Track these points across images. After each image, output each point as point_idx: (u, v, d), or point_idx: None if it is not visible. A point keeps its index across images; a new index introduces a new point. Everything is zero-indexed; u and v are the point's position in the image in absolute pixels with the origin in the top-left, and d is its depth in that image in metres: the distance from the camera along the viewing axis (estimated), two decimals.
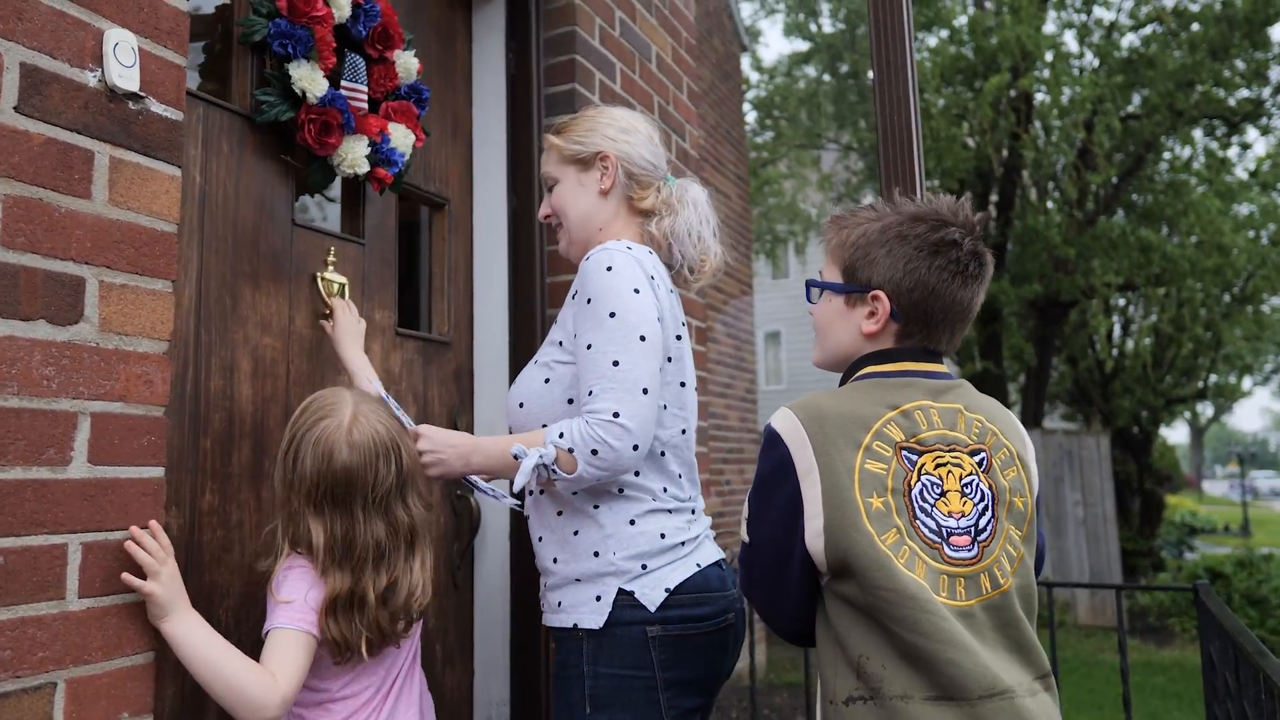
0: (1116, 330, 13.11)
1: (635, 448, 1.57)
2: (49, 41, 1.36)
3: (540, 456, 1.59)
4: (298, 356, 2.10)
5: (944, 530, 1.25)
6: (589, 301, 1.66)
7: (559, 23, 2.83)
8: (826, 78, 11.69)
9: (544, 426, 1.70)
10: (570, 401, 1.71)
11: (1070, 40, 9.97)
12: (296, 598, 1.53)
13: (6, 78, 1.30)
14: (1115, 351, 12.91)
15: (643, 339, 1.62)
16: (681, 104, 3.42)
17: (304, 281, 2.13)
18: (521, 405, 1.76)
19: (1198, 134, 10.98)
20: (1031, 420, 11.34)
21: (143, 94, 1.48)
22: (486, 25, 2.82)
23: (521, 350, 2.68)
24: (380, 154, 2.17)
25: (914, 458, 1.27)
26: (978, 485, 1.29)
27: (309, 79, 1.99)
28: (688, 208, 1.88)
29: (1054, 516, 9.71)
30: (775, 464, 1.30)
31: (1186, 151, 11.12)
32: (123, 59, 1.44)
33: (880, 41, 2.00)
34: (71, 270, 1.37)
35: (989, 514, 1.28)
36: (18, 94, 1.31)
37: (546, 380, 1.73)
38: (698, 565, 1.71)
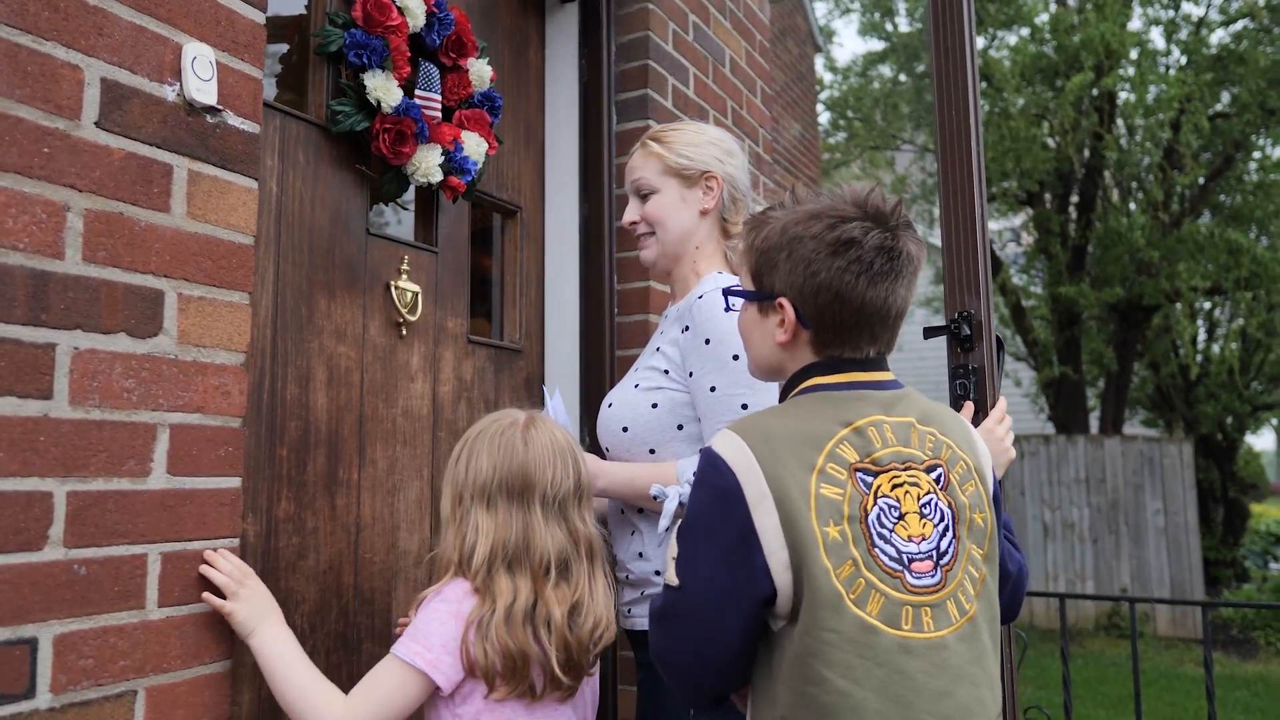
0: (1201, 335, 12.64)
1: None
2: (129, 56, 1.37)
3: (680, 497, 1.58)
4: (372, 365, 2.11)
5: (904, 556, 1.15)
6: (707, 342, 1.65)
7: (631, 28, 2.80)
8: (902, 78, 11.48)
9: (651, 451, 1.71)
10: (680, 427, 1.70)
11: (1157, 37, 9.67)
12: (427, 630, 1.42)
13: (88, 94, 1.32)
14: (1199, 357, 12.44)
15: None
16: (755, 108, 3.36)
17: (378, 290, 2.14)
18: (626, 429, 1.73)
19: None
20: (1111, 426, 10.97)
21: (220, 107, 1.49)
22: (559, 31, 2.80)
23: (592, 358, 2.66)
24: (454, 163, 2.17)
25: (869, 479, 1.16)
26: (936, 504, 1.18)
27: (384, 89, 2.00)
28: None
29: (1134, 525, 9.40)
30: (717, 493, 1.15)
31: (1278, 151, 10.65)
32: (201, 73, 1.45)
33: (940, 38, 1.92)
34: (151, 283, 1.38)
35: (950, 534, 1.18)
36: (99, 109, 1.33)
37: (654, 405, 1.71)
38: None
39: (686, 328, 1.70)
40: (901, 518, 1.16)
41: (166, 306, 1.40)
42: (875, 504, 1.15)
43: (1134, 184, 10.90)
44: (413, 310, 2.21)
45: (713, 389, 1.64)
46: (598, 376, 2.65)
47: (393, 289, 2.16)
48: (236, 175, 1.52)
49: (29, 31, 1.26)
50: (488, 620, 1.38)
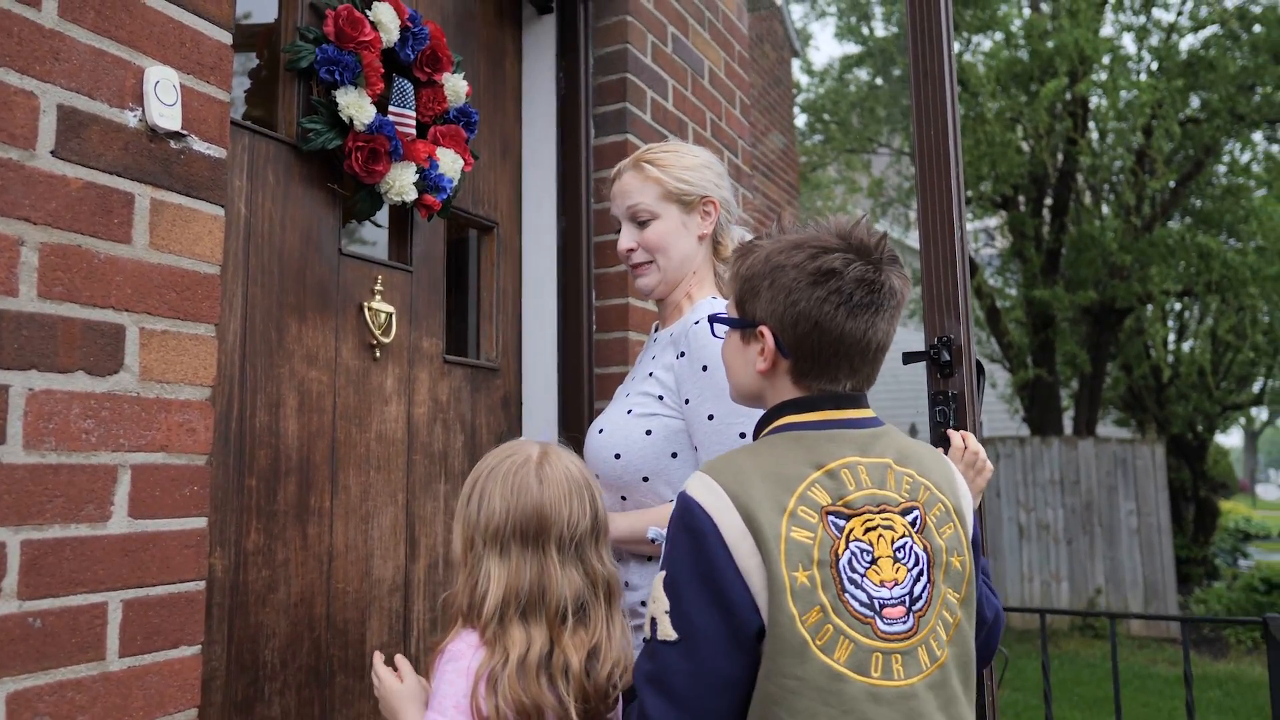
0: (1171, 337, 12.78)
1: None
2: (87, 81, 1.31)
3: (658, 540, 1.54)
4: (344, 389, 2.05)
5: (876, 602, 1.12)
6: (705, 369, 1.62)
7: (610, 40, 2.76)
8: (879, 81, 11.50)
9: (645, 479, 1.66)
10: (674, 455, 1.66)
11: (1128, 43, 9.71)
12: (440, 696, 1.33)
13: (43, 121, 1.25)
14: (1170, 358, 12.57)
15: None
16: (734, 119, 3.33)
17: (351, 312, 2.08)
18: (619, 456, 1.68)
19: (1258, 137, 10.62)
20: (1085, 428, 11.06)
21: (185, 132, 1.43)
22: (536, 43, 2.75)
23: (570, 376, 2.61)
24: (428, 180, 2.12)
25: (841, 523, 1.13)
26: (911, 548, 1.16)
27: (356, 106, 1.94)
28: None
29: (1107, 526, 9.48)
30: (697, 539, 1.12)
31: (1246, 155, 10.76)
32: (164, 97, 1.39)
33: (917, 42, 1.90)
34: (111, 318, 1.32)
35: (924, 579, 1.16)
36: (55, 137, 1.27)
37: (648, 432, 1.67)
38: None
39: (682, 353, 1.67)
40: (874, 562, 1.13)
41: (128, 342, 1.34)
42: (847, 548, 1.13)
43: (1106, 188, 10.99)
44: (386, 331, 2.15)
45: (710, 417, 1.60)
46: (575, 394, 2.60)
47: (366, 310, 2.11)
48: (202, 202, 1.46)
49: None
50: (499, 673, 1.30)
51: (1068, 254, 10.31)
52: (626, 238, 1.82)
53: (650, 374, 1.73)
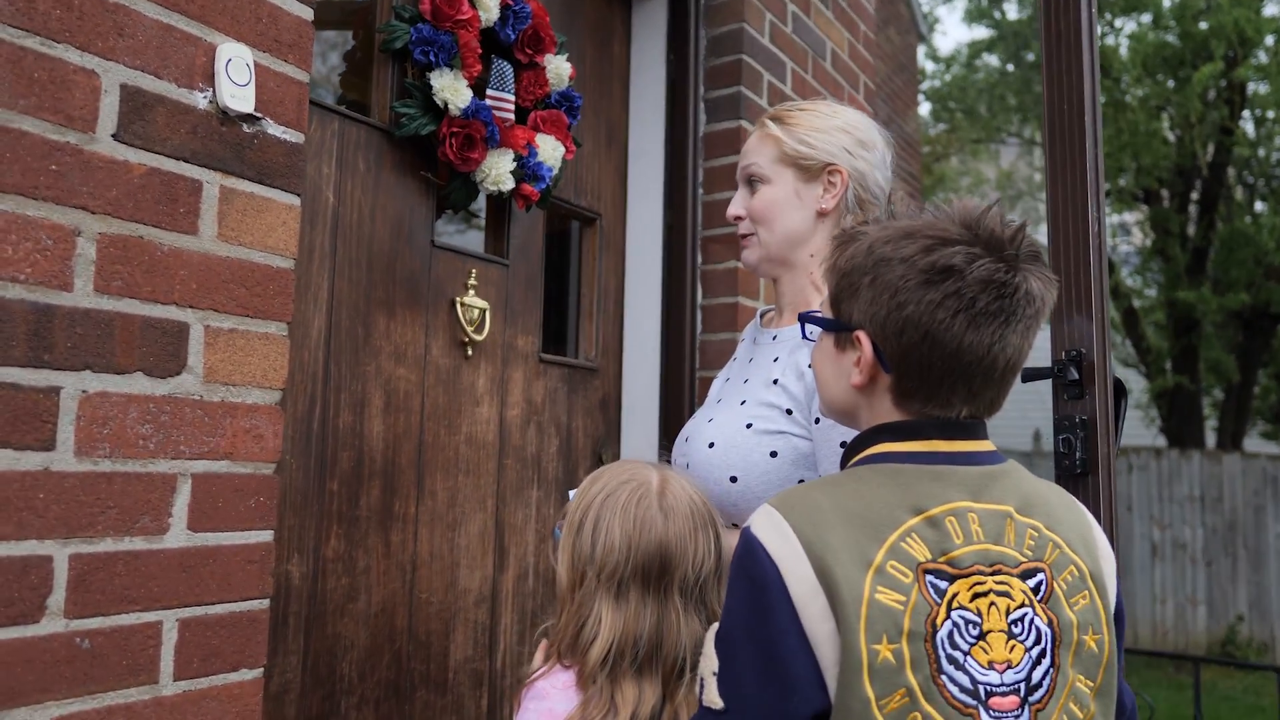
0: None
1: None
2: (154, 60, 1.21)
3: None
4: (433, 388, 1.95)
5: (981, 689, 0.90)
6: None
7: (725, 20, 2.57)
8: (1010, 68, 10.91)
9: None
10: (801, 482, 1.38)
11: None
12: None
13: (105, 102, 1.16)
14: None
15: None
16: (858, 104, 3.10)
17: (443, 307, 1.97)
18: (735, 480, 1.43)
19: None
20: (1230, 442, 10.27)
21: (259, 115, 1.33)
22: (646, 24, 2.60)
23: (672, 379, 2.45)
24: (526, 169, 1.99)
25: (943, 585, 0.92)
26: (1031, 622, 0.93)
27: (451, 89, 1.83)
28: None
29: (1253, 548, 8.77)
30: (758, 590, 0.92)
31: None
32: (236, 77, 1.29)
33: (1051, 21, 1.64)
34: (174, 315, 1.23)
35: (1047, 661, 0.93)
36: (117, 119, 1.17)
37: (774, 454, 1.42)
38: None
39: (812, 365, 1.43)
40: (982, 637, 0.91)
41: (191, 341, 1.25)
42: (948, 618, 0.90)
43: (1262, 182, 10.15)
44: (479, 328, 2.03)
45: (844, 444, 1.34)
46: (677, 398, 2.44)
47: (458, 305, 2.00)
48: (276, 191, 1.36)
49: (37, 33, 1.11)
50: None
51: (1217, 253, 9.56)
52: (736, 203, 1.58)
53: (775, 380, 1.47)
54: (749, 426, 1.46)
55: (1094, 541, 1.01)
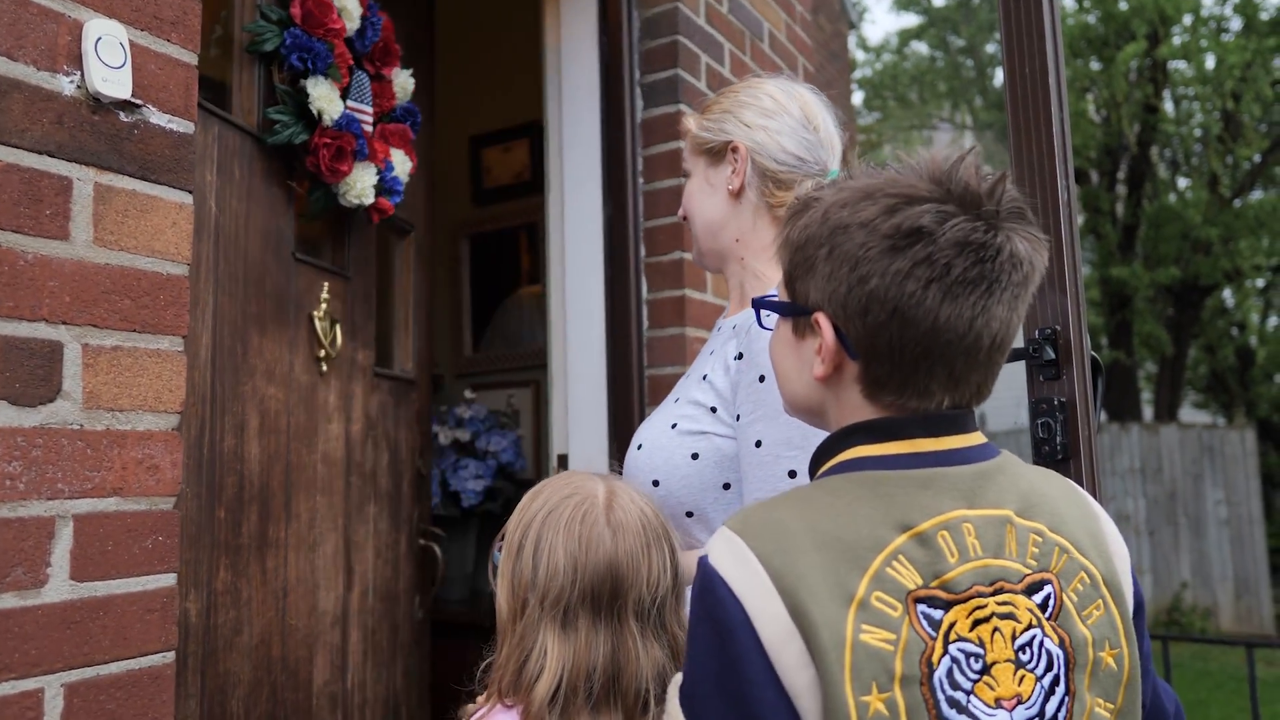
0: (1256, 315, 12.08)
1: None
2: (6, 39, 1.05)
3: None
4: (296, 407, 1.81)
5: None
6: (761, 380, 1.26)
7: (658, 0, 2.45)
8: (938, 54, 11.00)
9: (689, 515, 1.31)
10: (726, 487, 1.31)
11: (1209, 2, 9.03)
12: None
13: None
14: (1254, 338, 11.89)
15: None
16: None
17: (303, 322, 1.84)
18: (657, 484, 1.33)
19: None
20: (1166, 413, 10.48)
21: (139, 101, 1.16)
22: (575, 7, 2.46)
23: (621, 378, 2.32)
24: (385, 182, 1.93)
25: (937, 615, 0.78)
26: (1041, 644, 0.80)
27: (327, 99, 1.75)
28: None
29: (1193, 516, 8.95)
30: (723, 635, 0.78)
31: None
32: (108, 58, 1.13)
33: None
34: (43, 334, 1.06)
35: (1060, 690, 0.81)
36: None
37: (695, 456, 1.32)
38: None
39: (740, 354, 1.31)
40: (986, 670, 0.78)
41: (66, 362, 1.08)
42: (945, 653, 0.77)
43: (1186, 158, 10.38)
44: (333, 344, 1.91)
45: (758, 443, 1.24)
46: (625, 398, 2.31)
47: (315, 320, 1.87)
48: (163, 187, 1.20)
49: None
50: None
51: (1146, 230, 9.75)
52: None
53: (704, 376, 1.37)
54: (673, 427, 1.36)
55: (1103, 537, 0.89)
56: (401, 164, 2.01)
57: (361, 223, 2.02)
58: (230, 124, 1.66)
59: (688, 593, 1.24)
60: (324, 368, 1.88)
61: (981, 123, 10.58)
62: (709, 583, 0.79)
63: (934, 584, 0.78)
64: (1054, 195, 1.48)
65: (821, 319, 0.86)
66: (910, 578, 0.78)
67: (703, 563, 0.81)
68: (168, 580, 1.17)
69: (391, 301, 2.31)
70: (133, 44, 1.16)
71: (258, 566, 1.67)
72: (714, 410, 1.32)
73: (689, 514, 1.32)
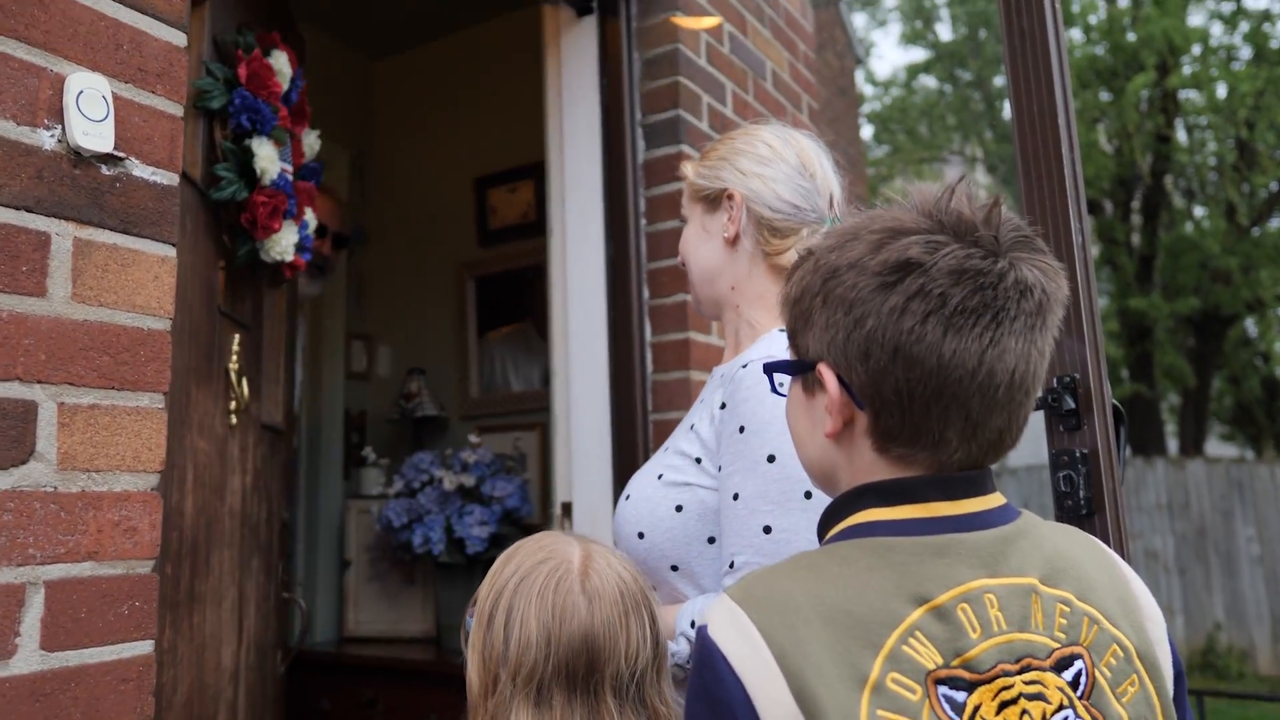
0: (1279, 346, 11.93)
1: None
2: None
3: (673, 657, 1.19)
4: (215, 460, 1.79)
5: None
6: (741, 430, 1.22)
7: (658, 41, 2.44)
8: (947, 88, 11.02)
9: (674, 569, 1.27)
10: (711, 541, 1.26)
11: (1217, 32, 9.02)
12: None
13: None
14: None
15: (808, 495, 1.17)
16: (801, 124, 2.98)
17: (221, 375, 1.82)
18: (642, 536, 1.29)
19: None
20: (1192, 446, 10.32)
21: (121, 154, 1.14)
22: (576, 51, 2.45)
23: (625, 423, 2.28)
24: (302, 239, 1.98)
25: (960, 698, 0.72)
26: None
27: (269, 159, 1.79)
28: None
29: (1225, 554, 8.74)
30: (721, 711, 0.72)
31: None
32: (90, 111, 1.11)
33: (1012, 13, 1.50)
34: (16, 393, 1.03)
35: None
36: None
37: (679, 508, 1.28)
38: None
39: (724, 404, 1.27)
40: None
41: (41, 422, 1.05)
42: None
43: (1200, 187, 10.31)
44: (242, 396, 1.89)
45: (736, 496, 1.21)
46: (630, 444, 2.27)
47: (230, 373, 1.85)
48: (145, 241, 1.17)
49: None
50: None
51: (1164, 260, 9.67)
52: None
53: (691, 426, 1.34)
54: (660, 477, 1.32)
55: (1135, 603, 0.83)
56: (312, 221, 2.07)
57: (266, 277, 2.05)
58: (185, 178, 1.65)
59: (669, 660, 1.20)
60: (233, 420, 1.87)
61: (993, 155, 10.57)
62: (708, 656, 0.74)
63: (955, 663, 0.72)
64: (1067, 234, 1.44)
65: (824, 369, 0.81)
66: (929, 657, 0.72)
67: (702, 634, 0.75)
68: (144, 648, 1.13)
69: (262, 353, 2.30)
70: (116, 96, 1.15)
71: (187, 623, 1.63)
72: (699, 461, 1.29)
73: (674, 568, 1.28)
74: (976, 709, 0.71)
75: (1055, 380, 1.41)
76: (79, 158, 1.11)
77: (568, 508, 2.27)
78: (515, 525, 2.92)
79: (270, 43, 1.90)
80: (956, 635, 0.73)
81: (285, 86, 1.91)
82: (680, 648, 1.20)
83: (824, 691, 0.69)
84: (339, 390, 3.54)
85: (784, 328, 1.32)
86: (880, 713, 0.69)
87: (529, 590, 1.02)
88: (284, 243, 1.89)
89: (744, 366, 1.25)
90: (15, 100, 1.06)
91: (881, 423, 0.80)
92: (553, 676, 0.99)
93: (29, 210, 1.06)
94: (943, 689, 0.71)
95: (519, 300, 3.43)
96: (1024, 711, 0.72)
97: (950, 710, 0.71)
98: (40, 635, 1.03)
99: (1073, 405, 1.37)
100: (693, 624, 1.20)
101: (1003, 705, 0.72)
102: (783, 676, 0.70)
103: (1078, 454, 1.34)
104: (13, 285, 1.04)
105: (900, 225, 0.79)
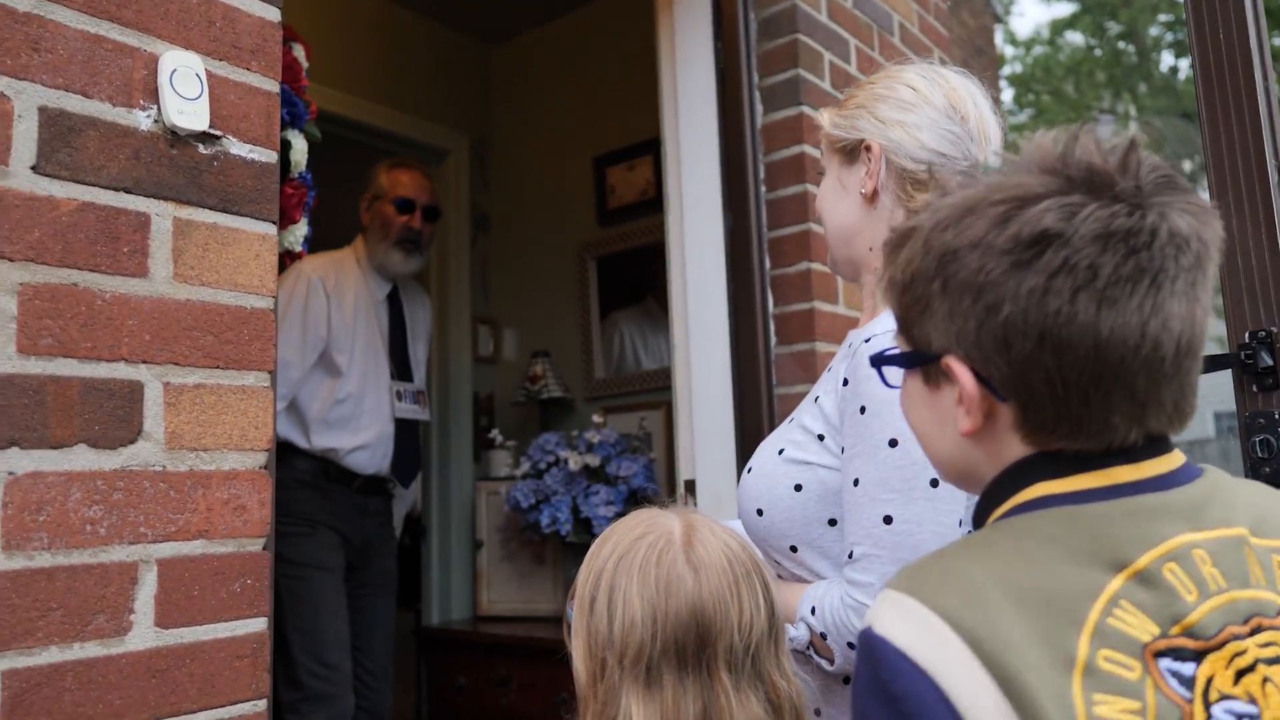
0: None
1: None
2: (80, 76, 1.03)
3: (791, 641, 1.11)
4: None
5: None
6: (862, 410, 1.12)
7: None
8: (1095, 43, 10.33)
9: (793, 549, 1.18)
10: (833, 523, 1.17)
11: None
12: None
13: (19, 128, 0.98)
14: None
15: (934, 484, 1.07)
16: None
17: None
18: (761, 513, 1.21)
19: None
20: None
21: (217, 132, 1.14)
22: (689, 14, 2.36)
23: (749, 398, 2.19)
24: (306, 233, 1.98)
25: (1188, 670, 0.62)
26: None
27: (302, 152, 1.78)
28: None
29: None
30: (908, 713, 0.62)
31: None
32: (184, 90, 1.10)
33: None
34: (123, 374, 1.04)
35: None
36: (37, 148, 0.99)
37: (798, 488, 1.19)
38: None
39: (847, 380, 1.16)
40: None
41: (148, 402, 1.05)
42: (1209, 718, 0.61)
43: None
44: None
45: (856, 482, 1.10)
46: (755, 419, 2.18)
47: None
48: (245, 219, 1.17)
49: None
50: None
51: None
52: None
53: (816, 399, 1.23)
54: (781, 453, 1.23)
55: None
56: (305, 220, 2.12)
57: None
58: None
59: (790, 632, 1.11)
60: None
61: (1147, 110, 9.85)
62: (883, 659, 0.64)
63: (1175, 631, 0.62)
64: (1262, 178, 1.29)
65: (954, 363, 0.71)
66: (1142, 628, 0.62)
67: (868, 636, 0.66)
68: (258, 625, 1.12)
69: None
70: (210, 74, 1.14)
71: None
72: (821, 438, 1.19)
73: (793, 548, 1.19)
74: (1209, 681, 0.61)
75: (1247, 335, 1.26)
76: (175, 137, 1.11)
77: (691, 485, 2.20)
78: (642, 505, 2.88)
79: (290, 35, 1.91)
80: (1170, 600, 0.63)
81: (307, 81, 1.92)
82: (800, 633, 1.12)
83: (1030, 677, 0.59)
84: (466, 374, 3.58)
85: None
86: (1097, 697, 0.59)
87: (629, 567, 0.95)
88: (298, 233, 1.92)
89: (867, 341, 1.14)
90: (110, 81, 1.06)
91: (1031, 416, 0.70)
92: (661, 655, 0.92)
93: (128, 191, 1.06)
94: (1165, 662, 0.61)
95: (641, 279, 3.38)
96: (1265, 679, 0.61)
97: (1179, 686, 0.61)
98: (154, 612, 1.03)
99: (1270, 362, 1.22)
100: (813, 610, 1.11)
101: (1239, 674, 0.62)
102: (983, 667, 0.60)
103: (1277, 415, 1.19)
104: (114, 266, 1.04)
105: (1026, 191, 0.68)
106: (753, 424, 2.17)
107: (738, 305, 2.23)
